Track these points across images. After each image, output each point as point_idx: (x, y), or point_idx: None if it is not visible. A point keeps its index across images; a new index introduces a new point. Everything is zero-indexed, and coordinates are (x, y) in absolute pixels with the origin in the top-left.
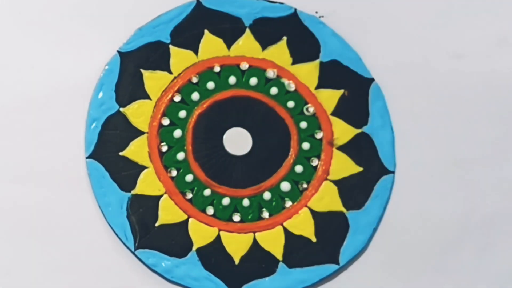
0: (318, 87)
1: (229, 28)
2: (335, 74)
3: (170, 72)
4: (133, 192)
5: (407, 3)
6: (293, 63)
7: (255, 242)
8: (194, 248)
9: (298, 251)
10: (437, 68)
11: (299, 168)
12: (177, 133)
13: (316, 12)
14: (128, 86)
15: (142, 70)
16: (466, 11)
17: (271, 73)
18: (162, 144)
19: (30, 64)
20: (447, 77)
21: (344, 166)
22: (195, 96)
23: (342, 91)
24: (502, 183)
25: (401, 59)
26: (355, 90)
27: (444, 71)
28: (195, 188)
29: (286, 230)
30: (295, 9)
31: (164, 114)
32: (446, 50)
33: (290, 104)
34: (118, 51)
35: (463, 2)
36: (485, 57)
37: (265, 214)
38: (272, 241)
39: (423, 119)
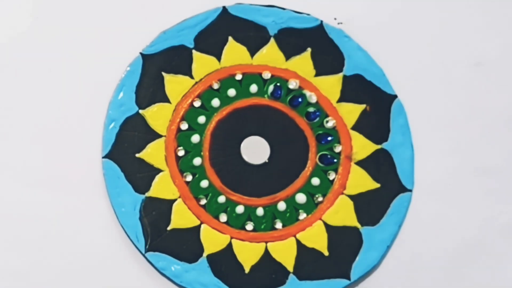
0: (340, 100)
1: (253, 37)
2: (358, 88)
3: (192, 77)
4: (147, 194)
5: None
6: (316, 75)
7: (266, 252)
8: (205, 254)
9: (309, 264)
10: (459, 84)
11: (315, 181)
12: (195, 138)
13: (335, 19)
14: (149, 89)
15: (163, 73)
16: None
17: (293, 84)
18: (179, 148)
19: (54, 62)
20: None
21: (361, 181)
22: (215, 102)
23: (364, 106)
24: None
25: (423, 76)
26: (377, 106)
27: (466, 83)
28: (210, 194)
29: (298, 242)
30: (321, 21)
31: (183, 119)
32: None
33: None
34: (141, 53)
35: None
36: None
37: (279, 225)
38: (284, 252)
39: (444, 139)
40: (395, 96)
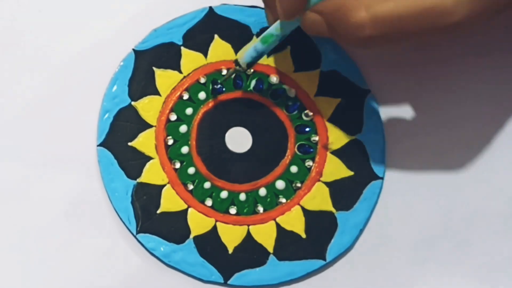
0: (317, 94)
1: (237, 35)
2: (334, 83)
3: (180, 72)
4: (138, 180)
5: None
6: (295, 70)
7: (248, 234)
8: (191, 236)
9: (288, 246)
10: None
11: (294, 169)
12: (183, 128)
13: None
14: (141, 82)
15: (154, 68)
16: None
17: (274, 79)
18: (168, 137)
19: (51, 55)
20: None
21: (336, 169)
22: (202, 95)
23: (339, 99)
24: (481, 186)
25: (395, 72)
26: (351, 100)
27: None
28: (196, 180)
29: (278, 225)
30: None
31: (172, 110)
32: None
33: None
34: (133, 49)
35: None
36: None
37: (260, 209)
38: (265, 235)
39: (414, 130)
40: (369, 91)
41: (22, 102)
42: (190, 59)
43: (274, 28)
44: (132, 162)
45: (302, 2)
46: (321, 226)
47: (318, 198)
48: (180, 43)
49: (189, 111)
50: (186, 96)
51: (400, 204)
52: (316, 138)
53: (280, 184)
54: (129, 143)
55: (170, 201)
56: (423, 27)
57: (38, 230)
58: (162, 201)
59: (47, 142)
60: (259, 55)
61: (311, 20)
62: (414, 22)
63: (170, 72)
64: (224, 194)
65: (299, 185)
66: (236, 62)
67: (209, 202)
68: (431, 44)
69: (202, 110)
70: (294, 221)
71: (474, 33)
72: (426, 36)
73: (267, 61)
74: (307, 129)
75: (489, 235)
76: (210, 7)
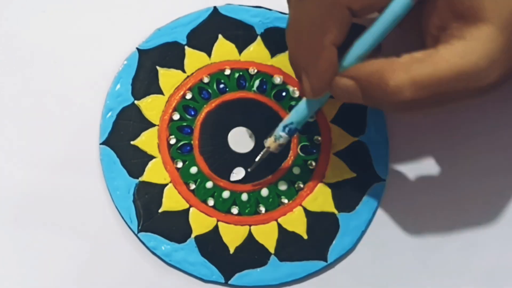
0: None
1: (241, 35)
2: None
3: (184, 71)
4: (140, 179)
5: None
6: None
7: (250, 234)
8: (193, 236)
9: (289, 246)
10: None
11: (296, 170)
12: (186, 128)
13: None
14: (144, 81)
15: (158, 67)
16: None
17: (277, 79)
18: (171, 137)
19: (56, 55)
20: None
21: (339, 170)
22: (205, 95)
23: None
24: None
25: None
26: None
27: None
28: (198, 180)
29: (280, 226)
30: None
31: (175, 109)
32: None
33: None
34: (137, 48)
35: None
36: None
37: (262, 209)
38: (266, 235)
39: (417, 132)
40: None
41: (25, 100)
42: (194, 58)
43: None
44: (135, 161)
45: (333, 71)
46: (323, 227)
47: (320, 199)
48: (184, 42)
49: (192, 110)
50: (189, 96)
51: (403, 206)
52: (319, 139)
53: (282, 185)
54: (132, 142)
55: (172, 200)
56: (461, 90)
57: (38, 227)
58: (164, 200)
59: (50, 140)
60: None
61: (343, 87)
62: (453, 85)
63: (174, 72)
64: (226, 194)
65: (301, 186)
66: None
67: (211, 201)
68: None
69: (205, 110)
70: (296, 222)
71: None
72: (462, 99)
73: (271, 61)
74: (310, 130)
75: (493, 239)
76: (215, 7)
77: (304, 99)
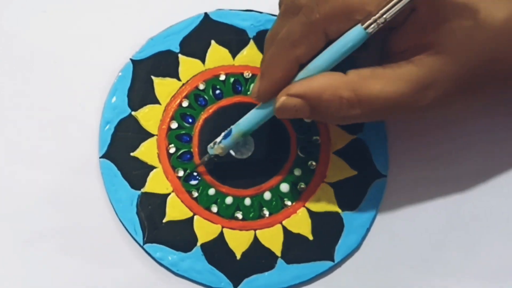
0: None
1: (234, 39)
2: None
3: (179, 79)
4: (142, 190)
5: None
6: None
7: (255, 239)
8: (198, 244)
9: (295, 248)
10: None
11: (297, 171)
12: (185, 136)
13: None
14: (140, 92)
15: (153, 77)
16: None
17: None
18: (170, 146)
19: (51, 68)
20: None
21: (340, 169)
22: (202, 102)
23: None
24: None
25: None
26: None
27: None
28: (200, 187)
29: (285, 228)
30: None
31: (172, 118)
32: None
33: None
34: (131, 59)
35: None
36: None
37: (266, 213)
38: (272, 239)
39: (416, 126)
40: None
41: (25, 115)
42: (188, 66)
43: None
44: (136, 172)
45: (285, 83)
46: (327, 227)
47: (323, 199)
48: (177, 50)
49: (189, 118)
50: (186, 103)
51: (405, 202)
52: (318, 139)
53: (284, 187)
54: (132, 154)
55: (176, 210)
56: (397, 110)
57: (42, 243)
58: (167, 210)
59: (49, 155)
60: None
61: (289, 105)
62: (397, 104)
63: (169, 80)
64: (229, 200)
65: (303, 187)
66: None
67: (214, 208)
68: None
69: (203, 116)
70: (301, 224)
71: None
72: (407, 115)
73: None
74: (309, 131)
75: (499, 234)
76: (206, 13)
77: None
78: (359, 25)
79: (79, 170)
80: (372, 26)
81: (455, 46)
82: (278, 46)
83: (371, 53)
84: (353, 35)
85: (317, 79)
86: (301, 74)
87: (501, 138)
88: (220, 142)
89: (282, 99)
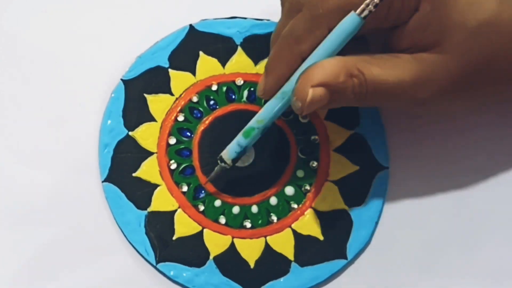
0: None
1: (222, 48)
2: None
3: (172, 94)
4: (149, 209)
5: None
6: None
7: (267, 245)
8: (211, 257)
9: (308, 250)
10: None
11: (300, 173)
12: (184, 150)
13: None
14: (134, 111)
15: (145, 95)
16: None
17: None
18: (171, 162)
19: (43, 93)
20: None
21: (341, 166)
22: (197, 114)
23: None
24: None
25: None
26: None
27: None
28: (206, 200)
29: (294, 232)
30: None
31: (170, 134)
32: None
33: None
34: (121, 79)
35: None
36: None
37: (274, 218)
38: (283, 243)
39: (413, 116)
40: None
41: (21, 141)
42: (179, 80)
43: (255, 121)
44: (140, 193)
45: (289, 77)
46: (336, 225)
47: (329, 198)
48: (167, 65)
49: (187, 132)
50: (181, 118)
51: (410, 192)
52: (317, 138)
53: (289, 190)
54: (133, 174)
55: (184, 225)
56: (399, 97)
57: (55, 270)
58: (176, 226)
59: (51, 183)
60: (243, 150)
61: (316, 96)
62: (396, 89)
63: (162, 96)
64: (236, 210)
65: (308, 188)
66: (220, 158)
67: (222, 220)
68: None
69: (200, 129)
70: (310, 225)
71: None
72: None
73: (255, 69)
74: (306, 131)
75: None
76: (190, 25)
77: (257, 115)
78: (352, 11)
79: (83, 196)
80: (365, 11)
81: (457, 46)
82: (282, 42)
83: (373, 51)
84: (348, 22)
85: (324, 65)
86: (301, 67)
87: (497, 129)
88: (238, 141)
89: (310, 91)
